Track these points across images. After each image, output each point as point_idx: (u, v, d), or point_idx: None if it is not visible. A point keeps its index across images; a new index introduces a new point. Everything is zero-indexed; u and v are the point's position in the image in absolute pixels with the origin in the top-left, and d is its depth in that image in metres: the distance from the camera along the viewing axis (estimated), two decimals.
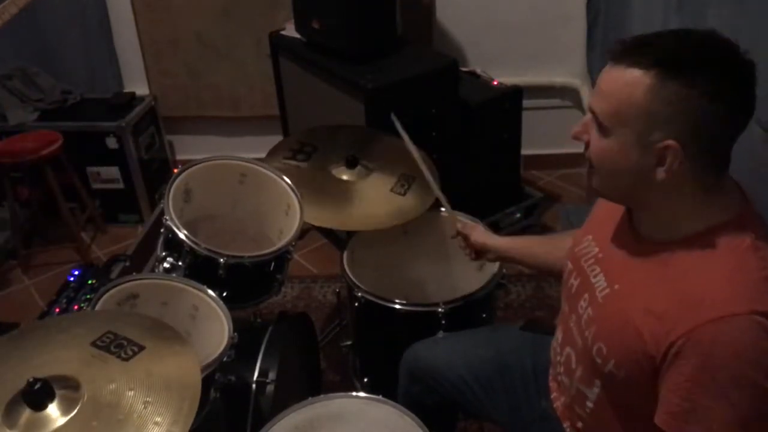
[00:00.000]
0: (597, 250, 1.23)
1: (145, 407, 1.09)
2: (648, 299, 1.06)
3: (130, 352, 1.19)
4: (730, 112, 0.99)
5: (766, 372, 0.96)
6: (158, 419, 1.07)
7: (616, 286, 1.15)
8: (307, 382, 2.04)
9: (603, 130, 1.06)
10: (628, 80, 1.00)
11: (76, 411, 1.08)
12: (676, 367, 1.00)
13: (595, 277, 1.20)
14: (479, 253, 1.71)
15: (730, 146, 1.04)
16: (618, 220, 1.20)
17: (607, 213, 1.23)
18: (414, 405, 1.45)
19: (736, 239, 1.02)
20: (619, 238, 1.19)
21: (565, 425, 1.33)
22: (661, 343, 1.01)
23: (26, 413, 1.08)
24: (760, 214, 1.08)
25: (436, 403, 1.57)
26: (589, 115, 1.09)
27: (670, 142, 0.99)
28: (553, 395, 1.39)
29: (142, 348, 1.21)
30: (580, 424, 1.29)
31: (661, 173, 1.02)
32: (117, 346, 1.21)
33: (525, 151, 2.98)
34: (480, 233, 1.71)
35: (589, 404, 1.23)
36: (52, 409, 1.08)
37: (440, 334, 1.69)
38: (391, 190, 1.96)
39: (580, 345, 1.22)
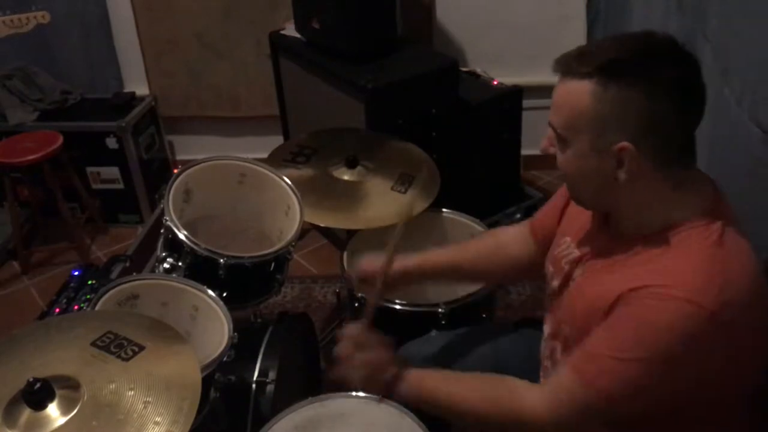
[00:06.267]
0: (575, 250, 1.26)
1: (145, 407, 1.09)
2: (610, 282, 1.09)
3: (130, 352, 1.20)
4: (678, 106, 1.01)
5: (663, 354, 0.99)
6: (158, 419, 1.07)
7: (588, 278, 1.18)
8: (307, 382, 2.04)
9: (562, 141, 1.09)
10: (574, 90, 1.04)
11: (76, 411, 1.09)
12: (605, 320, 1.06)
13: (574, 274, 1.23)
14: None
15: (688, 139, 1.06)
16: (593, 220, 1.23)
17: (582, 213, 1.25)
18: None
19: (703, 234, 1.04)
20: (594, 237, 1.22)
21: None
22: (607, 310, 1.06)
23: (26, 413, 1.08)
24: (730, 207, 1.09)
25: None
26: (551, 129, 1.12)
27: (624, 143, 1.02)
28: None
29: (142, 348, 1.21)
30: None
31: (622, 174, 1.05)
32: (117, 346, 1.21)
33: (525, 151, 2.97)
34: (372, 263, 1.51)
35: None
36: (52, 409, 1.09)
37: (433, 332, 1.69)
38: (392, 188, 1.97)
39: (562, 339, 1.25)
